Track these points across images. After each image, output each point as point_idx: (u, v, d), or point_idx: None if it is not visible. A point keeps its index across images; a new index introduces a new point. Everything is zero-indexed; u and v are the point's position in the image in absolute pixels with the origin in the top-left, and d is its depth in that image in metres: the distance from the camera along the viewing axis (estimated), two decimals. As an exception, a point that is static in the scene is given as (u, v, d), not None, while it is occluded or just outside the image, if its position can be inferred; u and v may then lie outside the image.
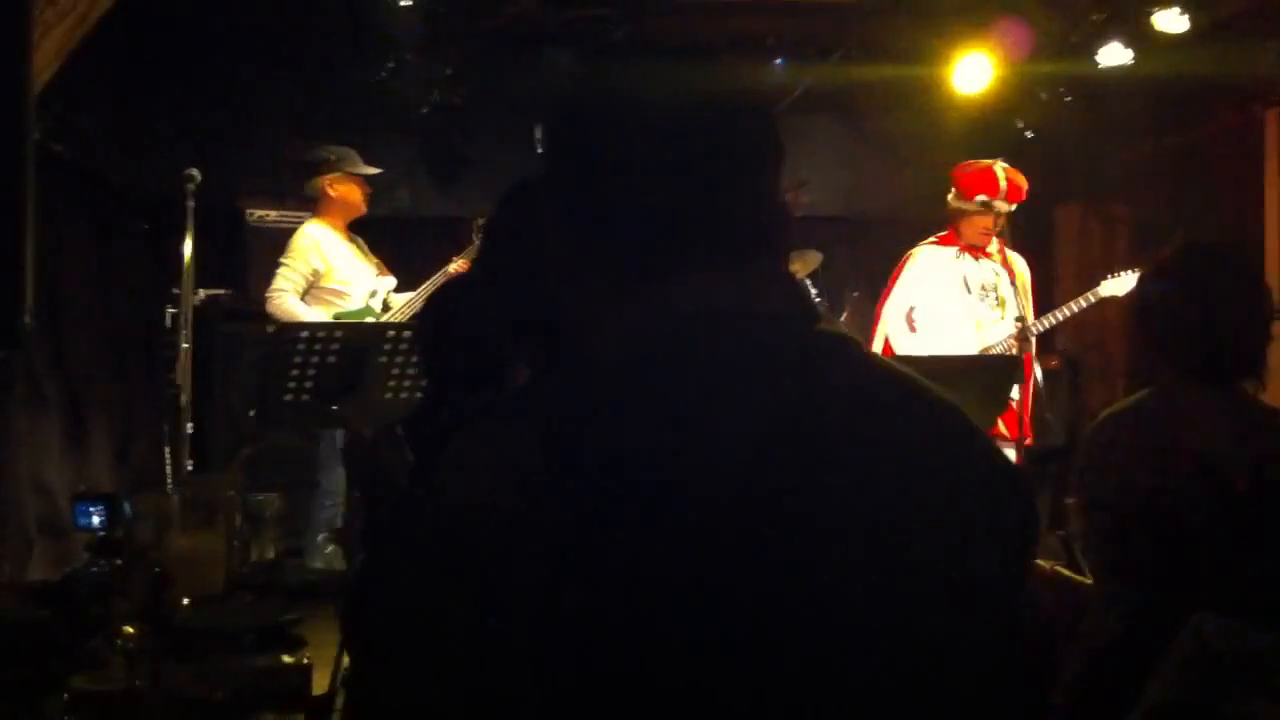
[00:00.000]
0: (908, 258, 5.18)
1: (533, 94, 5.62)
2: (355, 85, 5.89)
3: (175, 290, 5.22)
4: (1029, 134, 6.32)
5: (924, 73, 6.03)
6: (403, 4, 5.38)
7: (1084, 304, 5.02)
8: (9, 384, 4.76)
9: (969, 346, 4.96)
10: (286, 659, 2.01)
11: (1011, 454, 4.88)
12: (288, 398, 4.27)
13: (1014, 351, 4.90)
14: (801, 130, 6.48)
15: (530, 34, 5.66)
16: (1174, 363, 2.21)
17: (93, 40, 3.88)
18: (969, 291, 5.06)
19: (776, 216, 1.03)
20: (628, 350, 0.99)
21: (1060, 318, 5.02)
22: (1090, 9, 5.70)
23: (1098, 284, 5.03)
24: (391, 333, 4.46)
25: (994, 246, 5.08)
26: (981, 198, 4.89)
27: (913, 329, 5.11)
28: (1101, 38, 5.72)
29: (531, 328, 1.44)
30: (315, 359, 4.23)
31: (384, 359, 4.37)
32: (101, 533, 2.79)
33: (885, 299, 5.18)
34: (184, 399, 4.89)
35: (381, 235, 5.53)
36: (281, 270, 5.14)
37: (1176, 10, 5.44)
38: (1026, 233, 5.09)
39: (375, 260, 5.37)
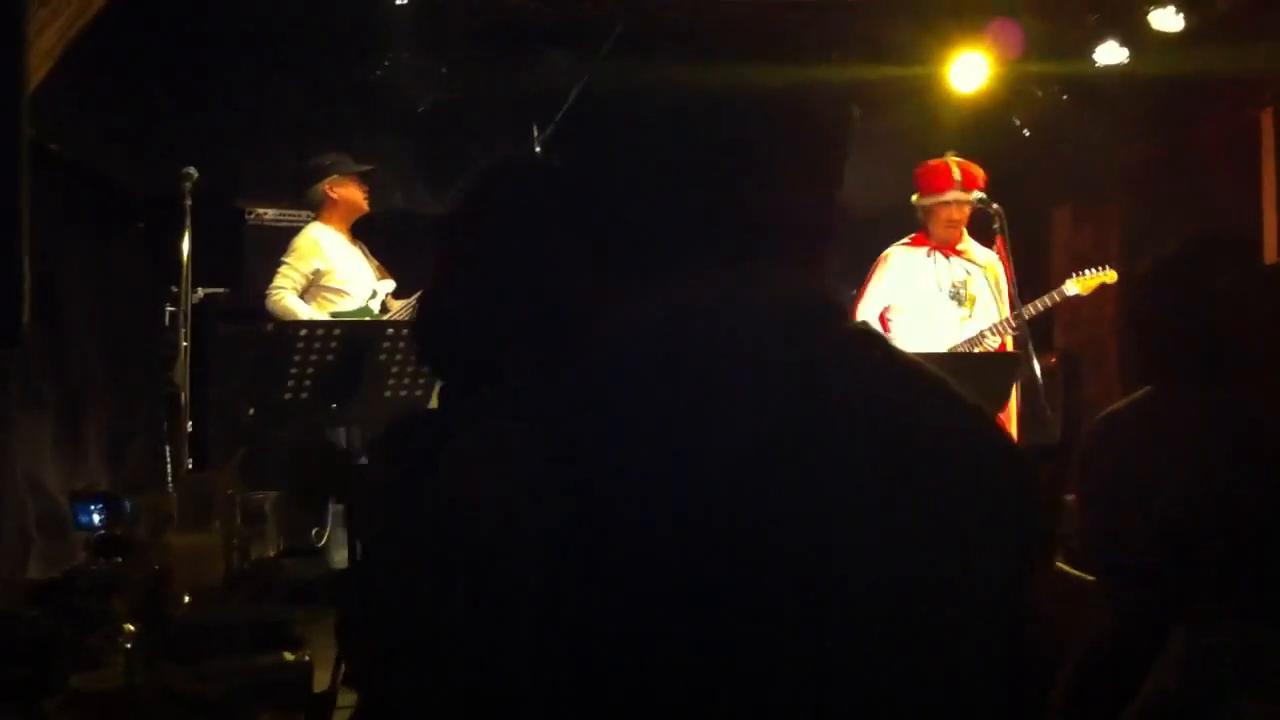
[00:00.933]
0: (880, 260, 5.27)
1: (531, 93, 5.61)
2: (353, 84, 5.88)
3: (174, 289, 5.21)
4: (1025, 132, 6.33)
5: (921, 72, 6.04)
6: (399, 2, 5.38)
7: (1048, 303, 5.09)
8: (6, 383, 4.75)
9: (941, 346, 5.00)
10: (287, 657, 2.01)
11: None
12: (286, 396, 4.28)
13: (998, 348, 4.94)
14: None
15: (528, 32, 5.66)
16: (1172, 361, 2.21)
17: (90, 39, 3.88)
18: (940, 290, 5.13)
19: (796, 214, 1.01)
20: (628, 350, 0.99)
21: (1030, 314, 5.05)
22: (1086, 8, 5.70)
23: (1063, 284, 5.13)
24: (390, 331, 4.47)
25: (966, 243, 5.14)
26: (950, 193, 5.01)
27: (887, 330, 5.17)
28: (1097, 37, 5.73)
29: (529, 325, 1.44)
30: (314, 357, 4.24)
31: (383, 357, 4.38)
32: (101, 531, 2.79)
33: (859, 301, 5.24)
34: (183, 398, 4.89)
35: (378, 235, 5.53)
36: (283, 269, 5.15)
37: (1172, 9, 5.45)
38: (1022, 232, 5.10)
39: (376, 264, 5.38)
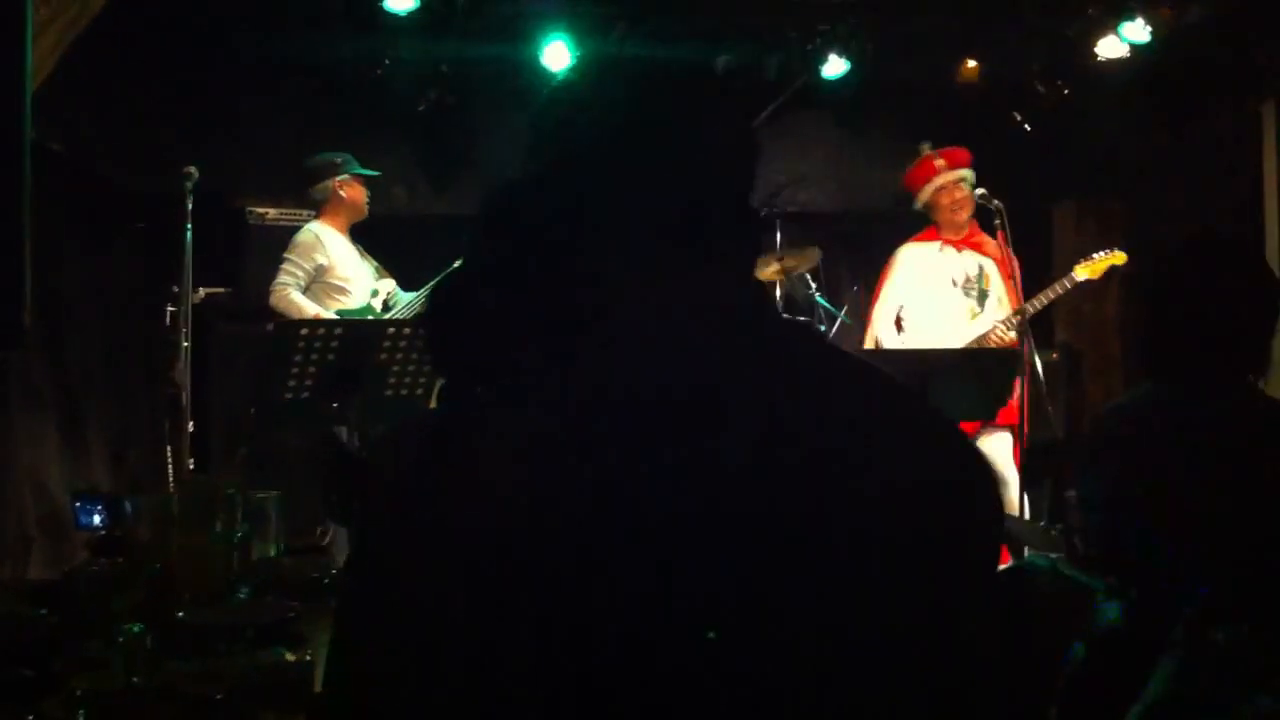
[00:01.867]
0: (893, 258, 5.31)
1: (529, 92, 5.61)
2: (353, 83, 5.88)
3: (174, 288, 5.22)
4: (1027, 128, 6.33)
5: (921, 69, 6.04)
6: (400, 2, 5.37)
7: (1059, 291, 5.06)
8: (7, 383, 4.76)
9: (956, 342, 5.00)
10: (288, 656, 2.01)
11: (1009, 443, 4.90)
12: (288, 395, 4.28)
13: (1007, 342, 4.94)
14: (800, 127, 6.47)
15: (528, 30, 5.66)
16: (1175, 357, 2.21)
17: (91, 39, 3.88)
18: (954, 286, 5.14)
19: (747, 218, 1.05)
20: (628, 349, 0.99)
21: (1040, 304, 5.03)
22: (1088, 3, 5.70)
23: (1072, 270, 5.10)
24: (392, 330, 4.46)
25: (979, 237, 5.16)
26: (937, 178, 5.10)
27: (900, 329, 5.18)
28: (1099, 31, 5.73)
29: (533, 325, 1.44)
30: (315, 356, 4.24)
31: (384, 356, 4.37)
32: (102, 531, 2.79)
33: (875, 301, 5.27)
34: (184, 398, 4.89)
35: (377, 235, 5.53)
36: (286, 265, 5.15)
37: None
38: (1024, 228, 5.10)
39: (374, 263, 5.39)
